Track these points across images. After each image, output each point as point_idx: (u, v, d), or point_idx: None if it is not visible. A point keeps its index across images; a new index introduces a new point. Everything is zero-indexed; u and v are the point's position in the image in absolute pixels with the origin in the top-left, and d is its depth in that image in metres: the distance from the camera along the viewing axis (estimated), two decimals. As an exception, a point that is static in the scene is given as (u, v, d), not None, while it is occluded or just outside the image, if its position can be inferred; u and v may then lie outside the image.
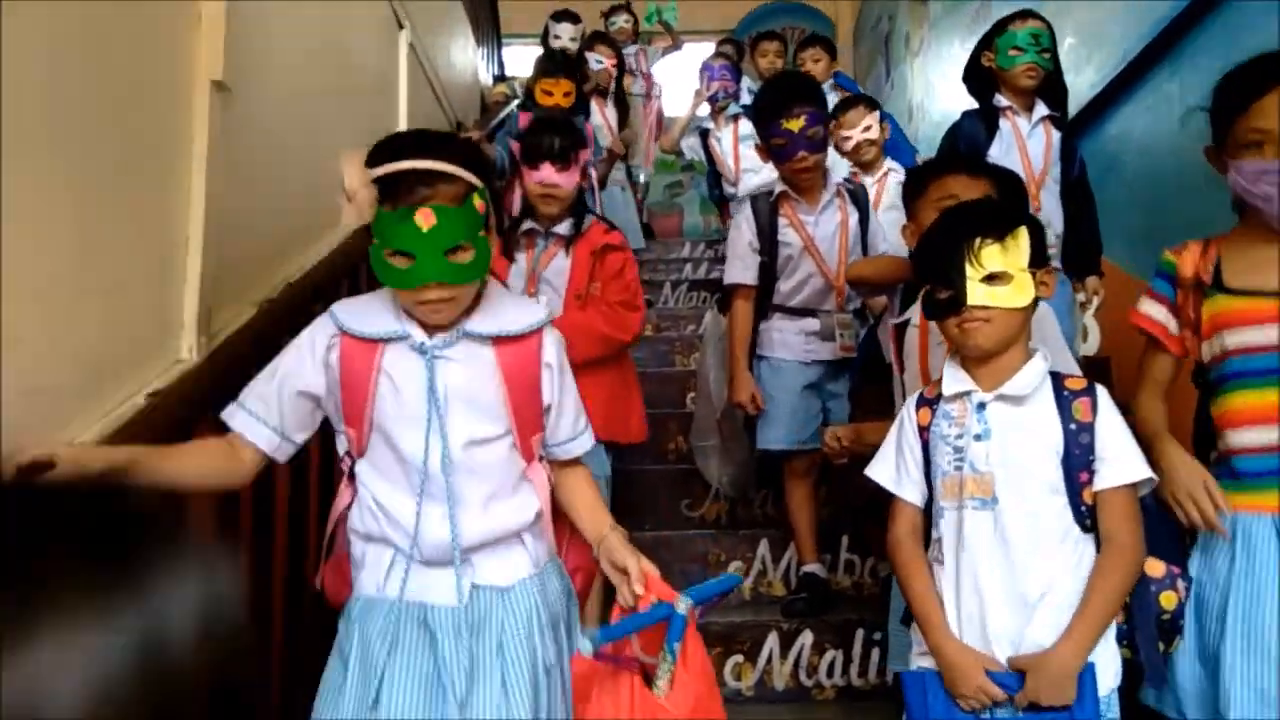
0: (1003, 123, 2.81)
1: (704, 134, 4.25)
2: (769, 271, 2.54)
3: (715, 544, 2.74)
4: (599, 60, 4.60)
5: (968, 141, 2.78)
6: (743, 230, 2.58)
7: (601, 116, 4.57)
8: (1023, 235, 1.46)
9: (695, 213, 7.39)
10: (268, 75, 2.08)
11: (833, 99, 4.09)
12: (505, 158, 3.51)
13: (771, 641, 2.38)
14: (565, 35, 4.81)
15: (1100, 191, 3.68)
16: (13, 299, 1.29)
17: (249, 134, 1.97)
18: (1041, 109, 2.82)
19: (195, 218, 1.76)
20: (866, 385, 2.33)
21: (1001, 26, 2.82)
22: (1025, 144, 2.80)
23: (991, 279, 1.44)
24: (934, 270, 1.49)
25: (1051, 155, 2.79)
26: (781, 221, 2.54)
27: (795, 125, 2.43)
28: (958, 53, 5.25)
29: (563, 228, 2.40)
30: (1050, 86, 2.85)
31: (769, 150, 2.54)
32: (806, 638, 2.38)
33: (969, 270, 1.44)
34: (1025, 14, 2.85)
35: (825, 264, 2.53)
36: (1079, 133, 3.79)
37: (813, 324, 2.56)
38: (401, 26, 3.28)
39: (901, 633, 1.87)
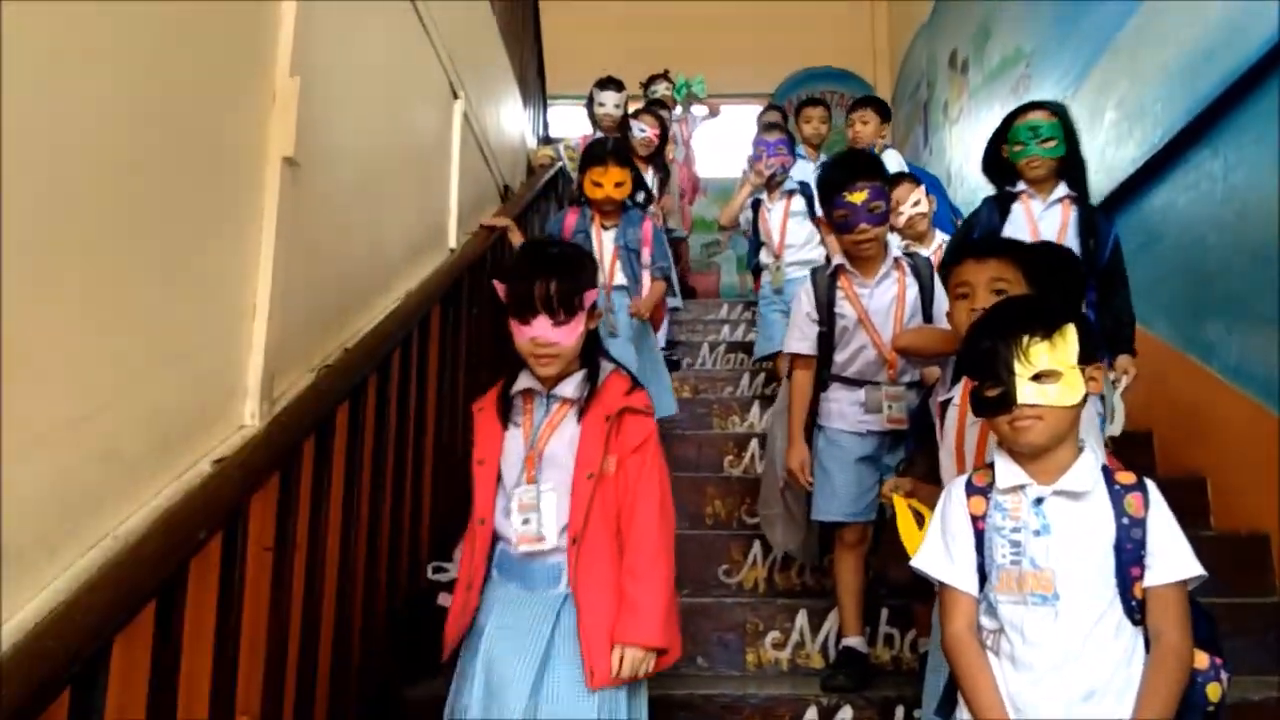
0: (1016, 206, 2.90)
1: (756, 204, 4.24)
2: (827, 342, 2.58)
3: (754, 612, 2.72)
4: (642, 129, 4.67)
5: (981, 226, 2.88)
6: (801, 301, 2.63)
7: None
8: (1070, 332, 1.47)
9: (732, 272, 7.47)
10: (334, 149, 2.16)
11: (898, 162, 4.19)
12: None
13: (811, 716, 2.35)
14: (610, 103, 4.89)
15: (1141, 265, 3.70)
16: (95, 366, 1.36)
17: (315, 205, 2.04)
18: (1061, 190, 2.88)
19: (263, 286, 1.83)
20: (919, 454, 2.33)
21: (1009, 121, 2.94)
22: (1036, 224, 2.86)
23: (1041, 377, 1.45)
24: (982, 368, 1.50)
25: (1067, 234, 2.83)
26: (838, 293, 2.58)
27: (858, 198, 2.48)
28: (997, 121, 5.31)
29: (569, 388, 1.86)
30: (1067, 169, 2.90)
31: (831, 223, 2.60)
32: (846, 713, 2.36)
33: (1018, 368, 1.45)
34: (1028, 107, 2.97)
35: (879, 335, 2.55)
36: (1118, 206, 3.83)
37: (864, 395, 2.58)
38: (457, 96, 3.39)
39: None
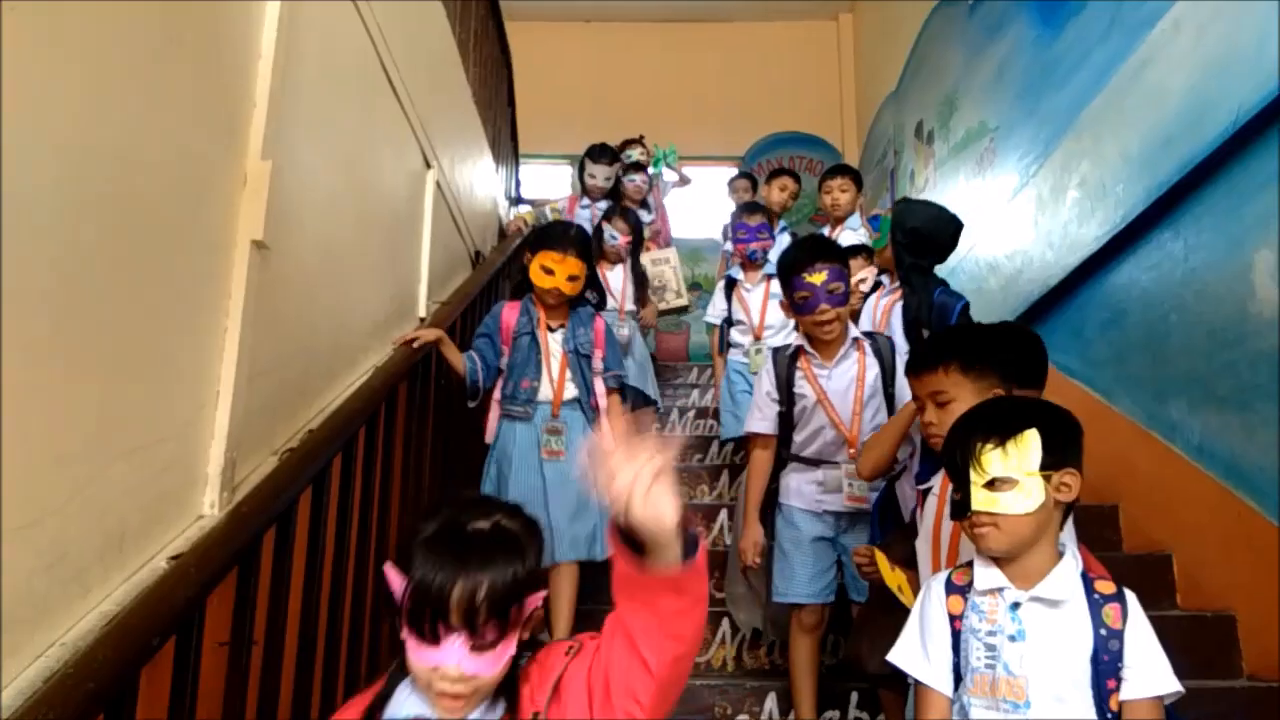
0: (873, 296, 3.29)
1: (730, 283, 4.15)
2: (787, 421, 2.59)
3: (722, 695, 2.68)
4: (614, 236, 4.21)
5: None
6: (763, 380, 2.66)
7: (610, 283, 4.16)
8: (1029, 438, 1.46)
9: (701, 332, 7.46)
10: (304, 230, 2.15)
11: (863, 235, 4.21)
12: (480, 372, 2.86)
13: (779, 805, 2.32)
14: (600, 176, 4.76)
15: (1105, 341, 3.77)
16: (43, 468, 1.31)
17: (282, 287, 2.02)
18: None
19: (226, 372, 1.80)
20: (897, 538, 2.32)
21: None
22: (875, 313, 3.18)
23: (994, 484, 1.45)
24: (950, 473, 1.53)
25: (890, 321, 3.04)
26: (797, 374, 2.60)
27: (817, 279, 2.52)
28: (963, 192, 5.41)
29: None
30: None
31: (792, 304, 2.62)
32: (814, 803, 2.32)
33: (973, 475, 1.47)
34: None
35: (838, 416, 2.56)
36: (1082, 281, 3.90)
37: (822, 474, 2.58)
38: (430, 166, 3.39)
39: None
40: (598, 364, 2.99)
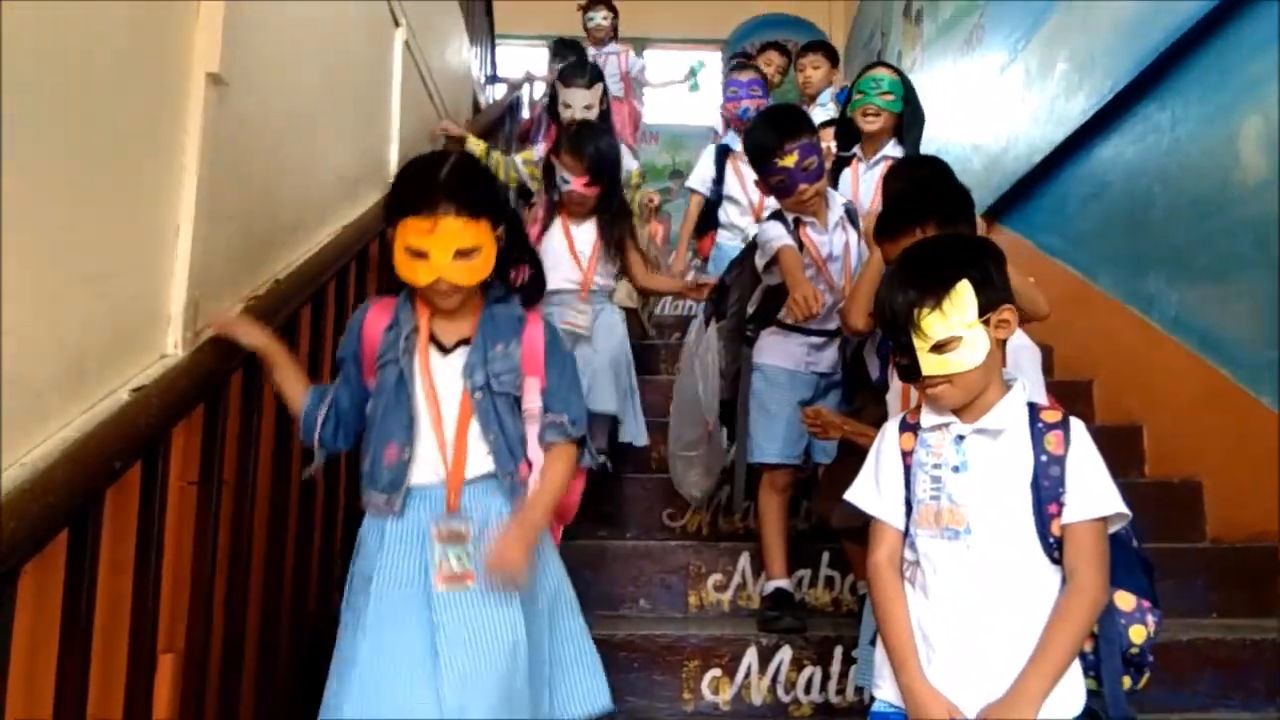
0: (846, 170, 3.09)
1: (724, 151, 3.79)
2: (782, 288, 2.53)
3: (697, 555, 2.72)
4: (565, 180, 2.79)
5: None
6: (778, 228, 2.56)
7: (576, 244, 2.86)
8: (962, 290, 1.43)
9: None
10: (263, 70, 2.06)
11: (832, 112, 4.05)
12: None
13: (750, 656, 2.36)
14: (578, 104, 3.38)
15: (1088, 216, 3.74)
16: (-4, 289, 1.27)
17: (243, 128, 1.94)
18: (887, 149, 3.04)
19: (186, 209, 1.74)
20: (869, 400, 2.32)
21: (856, 79, 3.15)
22: (858, 186, 3.02)
23: (940, 347, 1.43)
24: (891, 337, 1.51)
25: (879, 194, 2.89)
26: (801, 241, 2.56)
27: (789, 161, 2.45)
28: (950, 73, 5.29)
29: None
30: (901, 131, 3.07)
31: (770, 189, 2.58)
32: (785, 653, 2.37)
33: (917, 342, 1.44)
34: (874, 64, 3.21)
35: (834, 281, 2.55)
36: (1067, 156, 3.84)
37: (815, 339, 2.57)
38: (398, 24, 3.25)
39: (870, 651, 1.89)
40: (531, 404, 1.70)
